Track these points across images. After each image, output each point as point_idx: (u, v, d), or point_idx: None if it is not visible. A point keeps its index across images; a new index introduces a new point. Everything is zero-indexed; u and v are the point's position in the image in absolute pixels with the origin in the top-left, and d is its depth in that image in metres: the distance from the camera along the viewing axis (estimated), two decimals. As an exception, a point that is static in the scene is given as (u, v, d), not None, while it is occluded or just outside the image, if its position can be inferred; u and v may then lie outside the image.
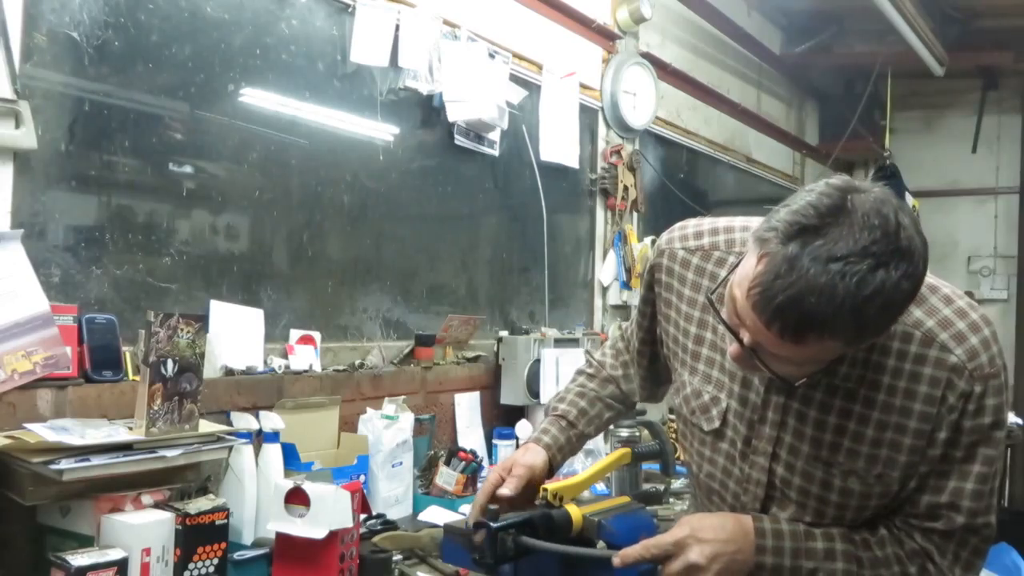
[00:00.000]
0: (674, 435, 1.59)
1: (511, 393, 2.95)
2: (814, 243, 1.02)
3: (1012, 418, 3.88)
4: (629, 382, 1.61)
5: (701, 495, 1.44)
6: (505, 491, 1.35)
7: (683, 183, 4.43)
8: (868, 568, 1.21)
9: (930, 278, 1.20)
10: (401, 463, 2.35)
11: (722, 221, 1.41)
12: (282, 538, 1.71)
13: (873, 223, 1.01)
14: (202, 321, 1.76)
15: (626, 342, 1.63)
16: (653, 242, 1.54)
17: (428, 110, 2.80)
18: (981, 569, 1.25)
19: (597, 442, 2.81)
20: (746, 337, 1.11)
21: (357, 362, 2.48)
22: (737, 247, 1.34)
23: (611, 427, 2.65)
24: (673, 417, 3.11)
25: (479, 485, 2.41)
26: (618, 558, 1.21)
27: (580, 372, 1.67)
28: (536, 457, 1.44)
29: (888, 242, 1.01)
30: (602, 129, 3.71)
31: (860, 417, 1.21)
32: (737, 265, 1.14)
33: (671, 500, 2.59)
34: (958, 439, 1.18)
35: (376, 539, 1.98)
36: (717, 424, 1.34)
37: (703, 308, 1.36)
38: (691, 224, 1.44)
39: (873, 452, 1.21)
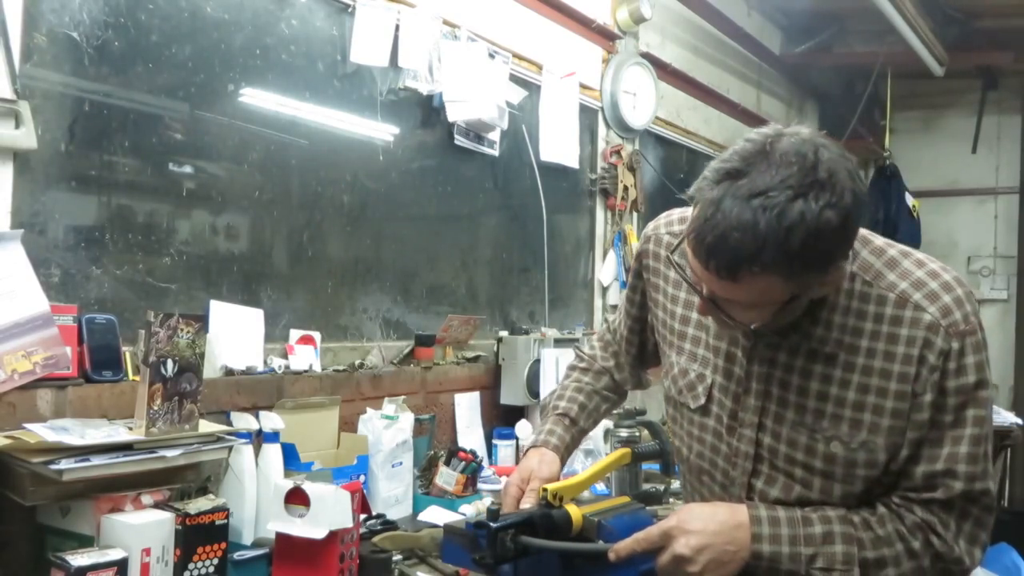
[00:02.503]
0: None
1: (511, 393, 2.95)
2: (737, 183, 1.07)
3: (1012, 418, 3.87)
4: (621, 371, 1.66)
5: (692, 478, 1.46)
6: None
7: (683, 183, 4.42)
8: (870, 549, 1.21)
9: (903, 247, 1.26)
10: (401, 463, 2.35)
11: None
12: (282, 538, 1.71)
13: (790, 160, 1.06)
14: (202, 321, 1.76)
15: (613, 332, 1.67)
16: (652, 241, 1.58)
17: (428, 110, 2.80)
18: (987, 544, 1.24)
19: (597, 442, 2.81)
20: (704, 288, 1.17)
21: (357, 362, 2.48)
22: None
23: (611, 427, 2.65)
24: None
25: (479, 486, 2.43)
26: (613, 552, 1.24)
27: (573, 367, 1.70)
28: (552, 467, 1.47)
29: (804, 175, 1.05)
30: (602, 129, 3.71)
31: (841, 382, 1.23)
32: None
33: (671, 500, 2.59)
34: (944, 402, 1.19)
35: (376, 539, 1.98)
36: (703, 400, 1.37)
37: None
38: (677, 212, 1.50)
39: (856, 417, 1.22)
